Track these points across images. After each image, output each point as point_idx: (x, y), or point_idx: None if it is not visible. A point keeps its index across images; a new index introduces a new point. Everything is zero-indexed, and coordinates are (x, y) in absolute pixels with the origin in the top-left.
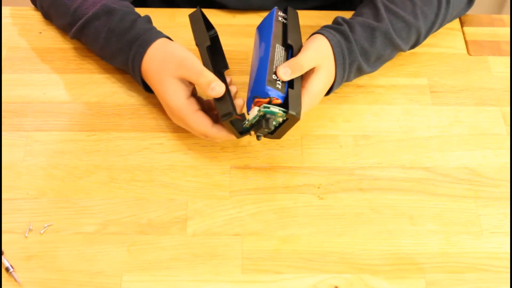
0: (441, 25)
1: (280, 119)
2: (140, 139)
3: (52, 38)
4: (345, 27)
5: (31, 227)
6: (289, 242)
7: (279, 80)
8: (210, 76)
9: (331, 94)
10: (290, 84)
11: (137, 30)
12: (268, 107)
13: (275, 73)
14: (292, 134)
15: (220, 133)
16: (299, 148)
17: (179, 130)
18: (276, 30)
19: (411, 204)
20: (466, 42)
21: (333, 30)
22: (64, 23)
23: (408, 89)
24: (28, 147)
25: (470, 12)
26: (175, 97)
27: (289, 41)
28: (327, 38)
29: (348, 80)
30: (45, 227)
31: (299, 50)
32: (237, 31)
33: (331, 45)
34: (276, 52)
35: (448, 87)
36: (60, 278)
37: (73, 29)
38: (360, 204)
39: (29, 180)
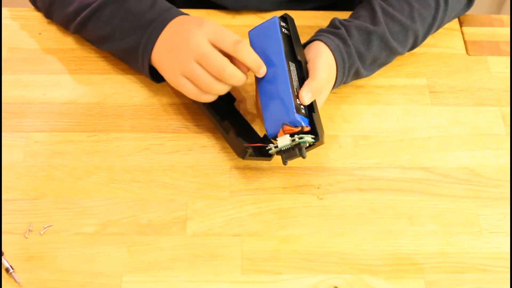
0: (439, 27)
1: (307, 144)
2: (140, 140)
3: (52, 39)
4: (343, 31)
5: (31, 228)
6: (289, 242)
7: (302, 104)
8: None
9: (331, 95)
10: (309, 105)
11: (157, 9)
12: (303, 137)
13: (296, 96)
14: None
15: (238, 70)
16: None
17: (179, 130)
18: (284, 46)
19: (411, 204)
20: (465, 42)
21: (331, 35)
22: (68, 12)
23: (407, 89)
24: (28, 148)
25: (469, 12)
26: (201, 37)
27: (299, 57)
28: (326, 44)
29: (345, 82)
30: (45, 228)
31: (306, 64)
32: (236, 32)
33: (331, 50)
34: (291, 73)
35: (447, 87)
36: (60, 279)
37: (82, 15)
38: (360, 204)
39: (29, 181)
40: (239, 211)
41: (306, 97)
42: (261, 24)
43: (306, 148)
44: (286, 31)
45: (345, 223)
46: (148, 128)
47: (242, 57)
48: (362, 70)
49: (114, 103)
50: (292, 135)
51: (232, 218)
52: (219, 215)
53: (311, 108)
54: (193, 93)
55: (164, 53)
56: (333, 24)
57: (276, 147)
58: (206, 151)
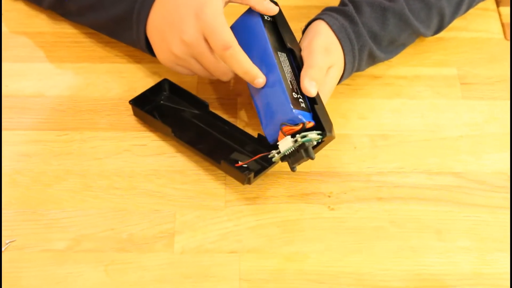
0: (470, 6)
1: (315, 142)
2: (120, 140)
3: (15, 21)
4: (350, 8)
5: None
6: (294, 260)
7: (300, 98)
8: None
9: (343, 86)
10: (310, 97)
11: None
12: (306, 135)
13: (293, 89)
14: None
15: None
16: None
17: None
18: (269, 36)
19: (438, 216)
20: (502, 24)
21: (336, 13)
22: None
23: (434, 81)
24: None
25: None
26: (196, 33)
27: (289, 45)
28: (327, 23)
29: (359, 69)
30: (7, 244)
31: (299, 50)
32: (235, 11)
33: (332, 30)
34: (282, 64)
35: (482, 78)
36: None
37: None
38: (378, 216)
39: None
40: (236, 224)
41: (310, 87)
42: (241, 16)
43: (313, 147)
44: (269, 18)
45: (360, 238)
46: (129, 126)
47: (230, 66)
48: (377, 53)
49: (89, 96)
50: (293, 135)
51: (228, 232)
52: (213, 228)
53: (312, 101)
54: (191, 74)
55: (156, 35)
56: (342, 1)
57: (278, 152)
58: (197, 153)
